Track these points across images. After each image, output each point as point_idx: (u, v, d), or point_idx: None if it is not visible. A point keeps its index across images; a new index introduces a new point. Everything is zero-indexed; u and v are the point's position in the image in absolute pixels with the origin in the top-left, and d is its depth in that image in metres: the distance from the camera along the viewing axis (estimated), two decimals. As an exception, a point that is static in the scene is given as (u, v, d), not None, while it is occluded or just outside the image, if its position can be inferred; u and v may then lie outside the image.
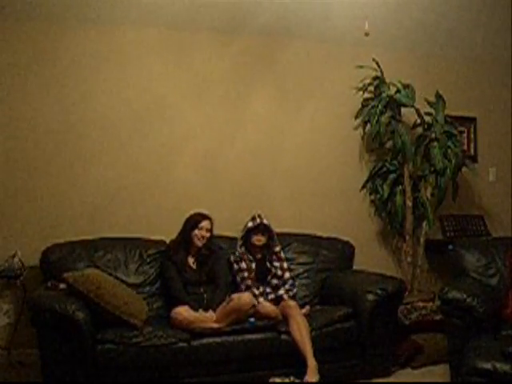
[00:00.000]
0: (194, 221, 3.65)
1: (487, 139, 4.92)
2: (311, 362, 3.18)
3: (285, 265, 3.81)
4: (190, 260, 3.65)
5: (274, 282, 3.72)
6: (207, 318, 3.27)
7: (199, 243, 3.63)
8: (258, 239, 3.76)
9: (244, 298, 3.31)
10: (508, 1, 4.30)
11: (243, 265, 3.70)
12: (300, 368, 3.22)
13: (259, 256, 3.78)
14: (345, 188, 4.49)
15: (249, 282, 3.66)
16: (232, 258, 3.77)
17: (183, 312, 3.27)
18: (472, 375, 2.56)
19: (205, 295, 3.50)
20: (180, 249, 3.63)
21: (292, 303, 3.45)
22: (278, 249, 3.84)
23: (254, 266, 3.72)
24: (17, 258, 3.53)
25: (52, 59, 3.89)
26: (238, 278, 3.71)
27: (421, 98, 4.33)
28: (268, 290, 3.69)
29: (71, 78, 3.92)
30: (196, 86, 4.19)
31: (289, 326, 3.30)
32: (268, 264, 3.76)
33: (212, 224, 3.70)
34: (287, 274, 3.79)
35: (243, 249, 3.77)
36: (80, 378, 2.99)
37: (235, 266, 3.73)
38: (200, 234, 3.62)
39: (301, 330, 3.26)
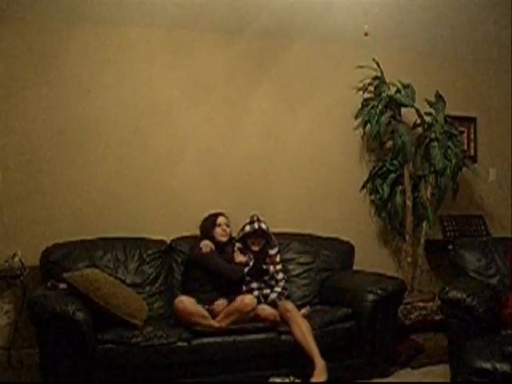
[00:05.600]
0: (210, 221, 3.70)
1: (487, 139, 4.92)
2: (319, 362, 3.18)
3: (277, 267, 3.78)
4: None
5: (272, 282, 3.71)
6: (207, 316, 3.25)
7: (224, 238, 3.66)
8: (255, 245, 3.74)
9: (247, 299, 3.32)
10: (508, 1, 4.30)
11: (245, 259, 3.68)
12: (300, 368, 3.23)
13: (255, 256, 3.75)
14: (345, 188, 4.50)
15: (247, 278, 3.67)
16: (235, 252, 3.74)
17: (185, 301, 3.25)
18: (472, 375, 2.56)
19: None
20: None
21: (290, 306, 3.43)
22: (273, 252, 3.80)
23: (251, 263, 3.70)
24: (17, 258, 3.53)
25: (53, 59, 3.88)
26: None
27: (421, 98, 4.33)
28: (263, 285, 3.67)
29: (72, 78, 3.92)
30: (197, 86, 4.19)
31: (290, 328, 3.29)
32: (264, 266, 3.74)
33: (227, 218, 3.74)
34: (280, 275, 3.77)
35: (240, 244, 3.76)
36: (80, 379, 2.98)
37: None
38: (222, 230, 3.66)
39: (303, 332, 3.26)
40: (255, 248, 3.73)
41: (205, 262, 3.56)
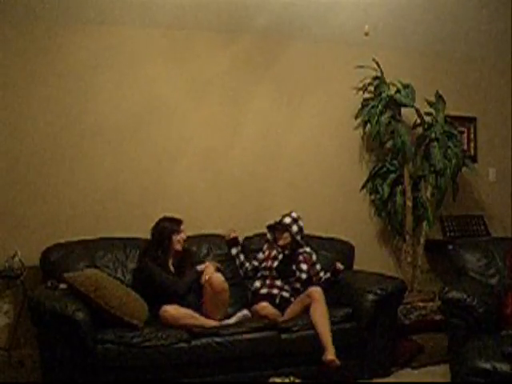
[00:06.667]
0: (172, 226, 3.57)
1: (487, 139, 4.92)
2: (330, 348, 3.20)
3: (317, 267, 3.80)
4: (170, 263, 3.59)
5: (297, 285, 3.70)
6: (195, 315, 3.26)
7: (180, 247, 3.59)
8: (278, 239, 3.76)
9: (214, 278, 3.34)
10: (508, 1, 4.30)
11: (273, 253, 3.72)
12: (301, 367, 3.25)
13: (286, 252, 3.76)
14: (345, 188, 4.50)
15: (267, 273, 3.68)
16: (265, 247, 3.81)
17: (169, 309, 3.24)
18: (472, 375, 2.57)
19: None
20: (159, 254, 3.54)
21: (318, 289, 3.45)
22: (308, 249, 3.84)
23: (280, 257, 3.72)
24: (17, 258, 3.52)
25: (52, 60, 3.88)
26: (262, 265, 3.73)
27: (421, 98, 4.33)
28: (286, 287, 3.67)
29: (71, 79, 3.91)
30: (196, 86, 4.19)
31: (311, 308, 3.33)
32: (294, 266, 3.73)
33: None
34: (318, 267, 3.81)
35: (270, 236, 3.81)
36: (80, 378, 2.98)
37: (264, 253, 3.76)
38: (182, 238, 3.58)
39: (322, 312, 3.31)
40: (279, 242, 3.74)
41: (154, 279, 3.43)
